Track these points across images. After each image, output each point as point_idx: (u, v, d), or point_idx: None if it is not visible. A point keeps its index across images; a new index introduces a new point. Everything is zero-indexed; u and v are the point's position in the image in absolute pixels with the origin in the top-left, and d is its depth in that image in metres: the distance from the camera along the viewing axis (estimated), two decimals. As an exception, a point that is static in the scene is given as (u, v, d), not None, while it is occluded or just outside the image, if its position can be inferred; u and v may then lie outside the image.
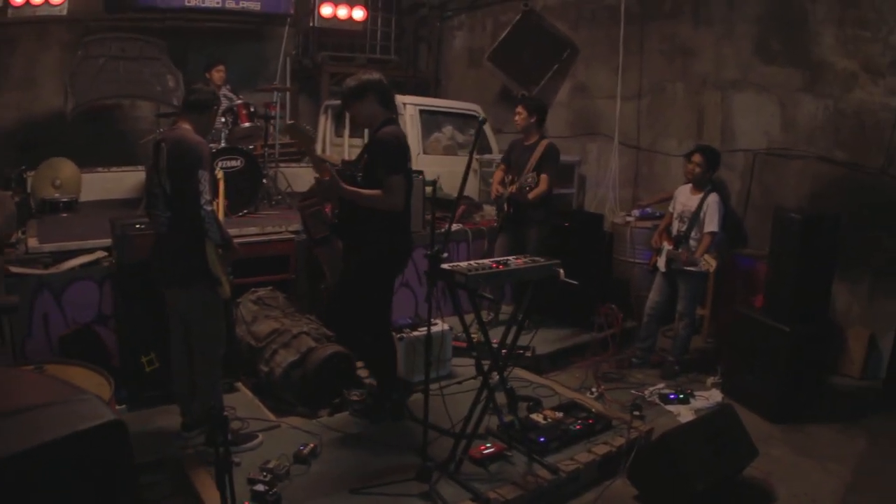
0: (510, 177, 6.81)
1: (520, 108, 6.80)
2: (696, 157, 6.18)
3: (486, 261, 4.29)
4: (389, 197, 4.54)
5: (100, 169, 8.82)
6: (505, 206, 6.79)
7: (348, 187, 4.56)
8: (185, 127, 4.33)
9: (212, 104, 4.49)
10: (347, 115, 9.74)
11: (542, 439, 4.59)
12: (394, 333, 5.56)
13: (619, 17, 8.58)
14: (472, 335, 4.75)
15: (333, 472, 4.28)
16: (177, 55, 9.91)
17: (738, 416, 4.72)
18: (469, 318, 4.41)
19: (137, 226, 5.16)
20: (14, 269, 5.50)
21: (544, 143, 6.75)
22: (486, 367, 4.32)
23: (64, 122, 9.03)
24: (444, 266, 4.04)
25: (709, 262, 5.78)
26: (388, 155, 4.60)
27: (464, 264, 4.18)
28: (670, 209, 6.50)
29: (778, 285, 5.81)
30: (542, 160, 6.62)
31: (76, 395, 2.34)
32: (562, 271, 4.25)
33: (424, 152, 8.86)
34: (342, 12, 10.82)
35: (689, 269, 6.06)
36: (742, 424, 4.66)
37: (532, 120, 6.77)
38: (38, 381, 2.65)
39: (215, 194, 4.70)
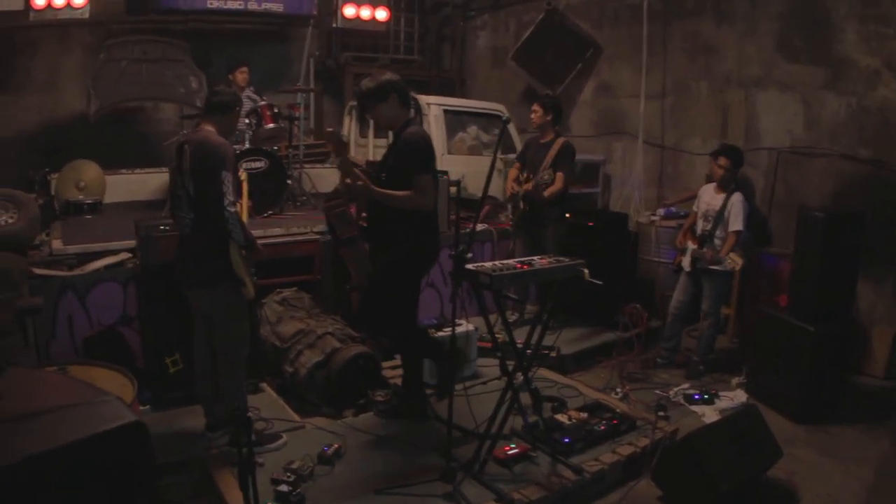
0: (525, 175, 6.78)
1: (536, 107, 6.76)
2: (723, 161, 6.12)
3: (510, 261, 4.26)
4: (420, 197, 4.53)
5: (123, 171, 8.85)
6: (521, 203, 6.77)
7: (379, 189, 4.55)
8: (209, 128, 4.33)
9: (234, 105, 4.48)
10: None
11: (566, 440, 4.57)
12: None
13: (642, 16, 8.54)
14: (497, 335, 4.72)
15: (358, 472, 4.28)
16: (200, 57, 9.95)
17: (762, 416, 4.67)
18: (494, 317, 4.40)
19: (161, 227, 5.17)
20: (38, 271, 5.53)
21: (560, 140, 6.72)
22: (510, 368, 4.30)
23: (87, 124, 9.09)
24: (469, 266, 4.02)
25: (734, 261, 5.74)
26: (416, 155, 4.60)
27: (488, 265, 4.16)
28: (694, 208, 6.46)
29: (802, 284, 5.75)
30: (558, 158, 6.60)
31: (98, 397, 2.35)
32: (587, 271, 4.21)
33: (449, 152, 8.82)
34: (365, 13, 10.82)
35: (714, 268, 6.02)
36: (766, 425, 4.62)
37: (548, 118, 6.73)
38: (60, 383, 2.66)
39: (239, 195, 4.72)
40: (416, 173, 4.53)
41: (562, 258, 4.41)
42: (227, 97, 4.47)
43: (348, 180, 4.56)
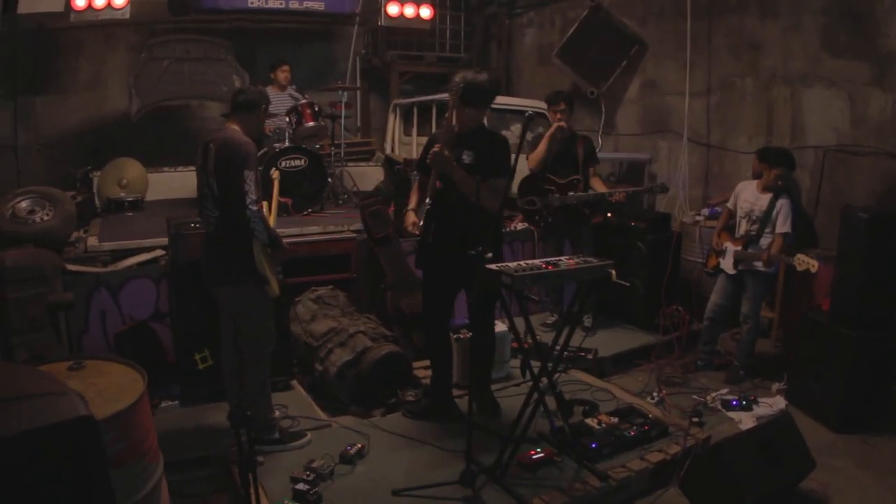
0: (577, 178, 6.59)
1: (562, 105, 6.58)
2: (778, 171, 5.92)
3: (536, 261, 4.16)
4: (492, 194, 4.43)
5: (166, 169, 8.98)
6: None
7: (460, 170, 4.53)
8: (234, 127, 4.32)
9: (259, 104, 4.44)
10: (416, 114, 9.76)
11: (593, 445, 4.47)
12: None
13: (686, 12, 8.37)
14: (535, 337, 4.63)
15: (378, 473, 4.23)
16: (244, 56, 10.07)
17: (795, 425, 4.50)
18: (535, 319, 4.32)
19: (192, 225, 5.20)
20: (72, 267, 5.63)
21: (581, 137, 6.68)
22: (536, 371, 4.21)
23: (132, 123, 9.22)
24: (491, 266, 3.94)
25: (808, 262, 5.51)
26: (506, 158, 4.61)
27: (512, 265, 4.06)
28: (729, 205, 6.30)
29: (844, 288, 5.52)
30: (588, 155, 6.55)
31: (55, 391, 2.33)
32: (614, 272, 4.10)
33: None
34: (409, 11, 10.77)
35: (760, 269, 5.87)
36: (799, 434, 4.45)
37: (571, 114, 6.68)
38: (23, 375, 2.64)
39: (268, 194, 4.71)
40: (500, 174, 4.49)
41: (590, 259, 4.29)
42: (251, 95, 4.46)
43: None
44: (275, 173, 5.17)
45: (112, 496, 2.42)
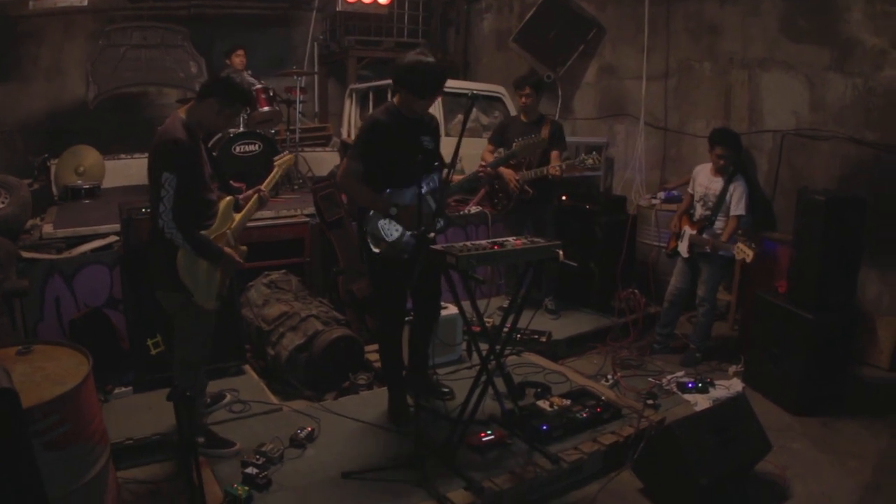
0: (527, 159, 6.57)
1: (528, 90, 6.57)
2: (720, 151, 5.94)
3: (482, 241, 4.16)
4: None
5: (123, 156, 8.91)
6: (527, 188, 6.47)
7: None
8: (179, 115, 3.94)
9: (210, 92, 3.95)
10: (372, 98, 9.72)
11: (545, 427, 4.45)
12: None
13: (645, -4, 8.40)
14: (487, 320, 4.62)
15: (328, 456, 4.21)
16: (203, 42, 10.00)
17: (750, 407, 4.50)
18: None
19: (143, 210, 5.14)
20: (26, 255, 5.57)
21: (548, 120, 6.67)
22: (484, 353, 4.21)
23: (91, 110, 9.13)
24: (436, 246, 3.93)
25: (745, 251, 5.54)
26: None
27: (458, 245, 4.05)
28: (689, 190, 6.32)
29: (801, 270, 5.57)
30: (553, 138, 6.49)
31: None
32: (561, 252, 4.10)
33: (447, 134, 8.72)
34: (366, -4, 10.76)
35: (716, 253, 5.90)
36: (755, 416, 4.45)
37: (538, 98, 6.68)
38: None
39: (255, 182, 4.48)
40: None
41: (537, 239, 4.29)
42: (206, 83, 4.14)
43: None
44: (282, 158, 4.85)
45: (37, 472, 2.40)
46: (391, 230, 4.28)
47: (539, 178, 6.36)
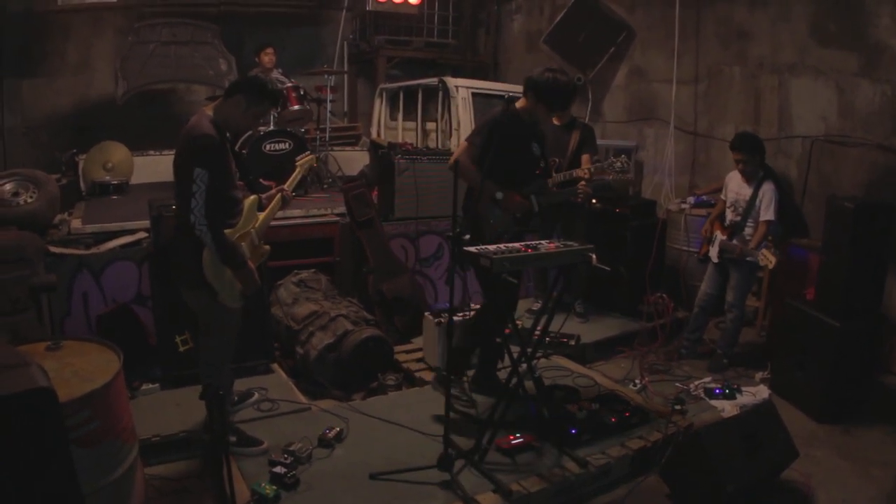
0: (555, 160, 6.53)
1: None
2: (737, 156, 5.94)
3: (516, 244, 4.14)
4: None
5: (152, 152, 8.94)
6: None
7: None
8: (206, 112, 3.96)
9: (237, 90, 3.98)
10: (402, 98, 9.72)
11: (573, 431, 4.43)
12: (429, 317, 5.53)
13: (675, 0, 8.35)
14: (517, 323, 4.62)
15: (356, 456, 4.21)
16: (233, 40, 10.04)
17: (777, 414, 4.48)
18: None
19: (174, 206, 5.13)
20: (55, 250, 5.60)
21: (579, 123, 6.63)
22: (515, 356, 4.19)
23: (119, 106, 9.18)
24: (470, 248, 3.91)
25: (768, 258, 5.54)
26: None
27: (492, 247, 4.03)
28: (722, 196, 6.27)
29: (829, 278, 5.52)
30: (584, 141, 6.48)
31: (14, 363, 2.31)
32: (594, 256, 4.06)
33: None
34: (396, -4, 10.77)
35: (744, 259, 5.84)
36: (781, 423, 4.43)
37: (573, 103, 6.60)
38: None
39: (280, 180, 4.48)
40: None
41: (570, 243, 4.26)
42: (236, 80, 4.17)
43: None
44: (304, 159, 4.86)
45: (72, 470, 2.41)
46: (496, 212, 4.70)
47: (568, 181, 6.30)
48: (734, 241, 5.92)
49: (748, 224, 5.97)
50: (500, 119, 4.55)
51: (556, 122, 6.58)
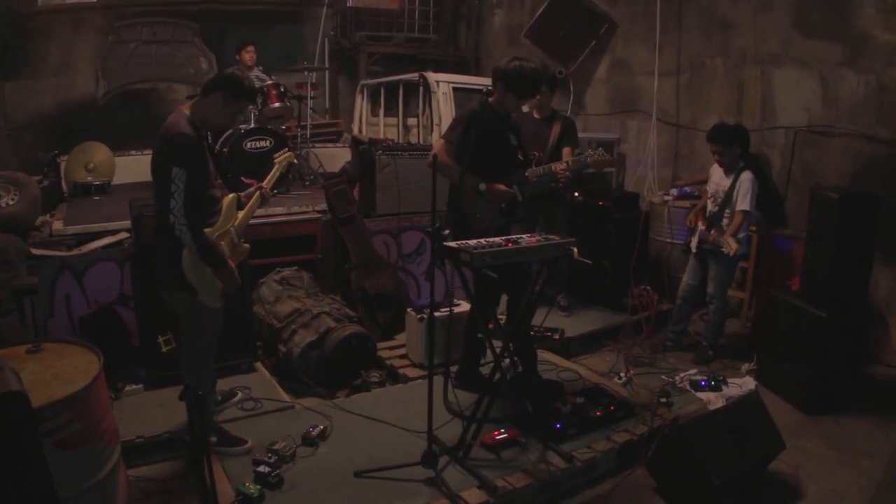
0: (535, 154, 6.50)
1: (544, 88, 6.48)
2: (712, 147, 5.98)
3: (496, 239, 4.12)
4: None
5: (133, 152, 8.90)
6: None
7: None
8: (183, 111, 3.93)
9: (214, 87, 3.95)
10: (383, 94, 9.69)
11: (558, 426, 4.44)
12: (412, 313, 5.51)
13: (657, -9, 8.34)
14: (500, 317, 4.61)
15: (340, 454, 4.20)
16: (214, 38, 9.99)
17: (764, 405, 4.48)
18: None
19: (154, 206, 5.12)
20: (36, 252, 5.57)
21: (560, 116, 6.60)
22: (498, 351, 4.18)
23: (99, 106, 9.13)
24: (450, 243, 3.90)
25: (729, 245, 5.59)
26: None
27: (472, 242, 4.02)
28: (706, 188, 6.28)
29: (814, 268, 5.52)
30: (565, 134, 6.45)
31: None
32: (576, 249, 4.06)
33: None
34: (377, -9, 10.75)
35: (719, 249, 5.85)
36: (768, 415, 4.42)
37: (552, 95, 6.66)
38: None
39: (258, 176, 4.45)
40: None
41: (551, 237, 4.25)
42: (212, 78, 4.11)
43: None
44: (282, 156, 4.80)
45: (47, 473, 2.39)
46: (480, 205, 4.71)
47: (547, 174, 6.29)
48: (712, 231, 5.93)
49: (725, 214, 5.97)
50: (477, 112, 4.55)
51: (536, 115, 6.56)
